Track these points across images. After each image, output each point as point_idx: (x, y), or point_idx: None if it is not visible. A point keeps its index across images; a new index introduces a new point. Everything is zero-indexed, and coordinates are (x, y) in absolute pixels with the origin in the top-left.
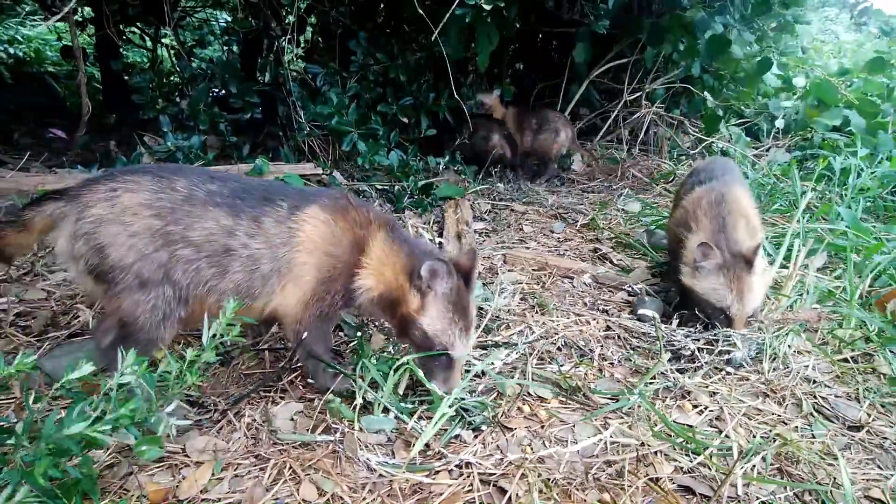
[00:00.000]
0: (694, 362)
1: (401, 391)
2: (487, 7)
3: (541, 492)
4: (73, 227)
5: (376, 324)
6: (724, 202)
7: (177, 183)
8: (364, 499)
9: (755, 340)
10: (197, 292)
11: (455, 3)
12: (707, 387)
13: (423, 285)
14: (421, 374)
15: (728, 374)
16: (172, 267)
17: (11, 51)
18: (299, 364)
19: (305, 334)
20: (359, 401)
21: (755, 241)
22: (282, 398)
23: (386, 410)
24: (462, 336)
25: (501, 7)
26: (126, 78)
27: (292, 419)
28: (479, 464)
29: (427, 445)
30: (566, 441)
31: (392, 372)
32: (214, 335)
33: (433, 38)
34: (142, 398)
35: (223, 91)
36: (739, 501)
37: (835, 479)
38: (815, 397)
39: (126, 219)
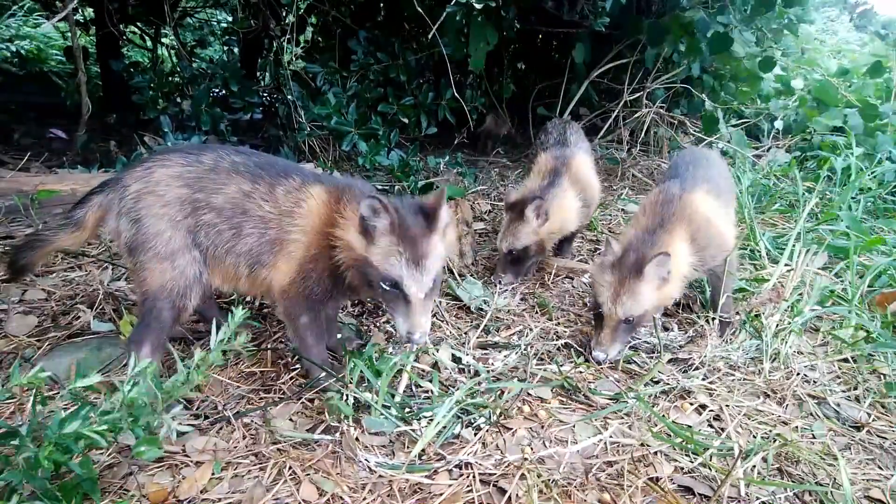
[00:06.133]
0: (701, 366)
1: (401, 390)
2: (478, 6)
3: (541, 492)
4: (118, 207)
5: (376, 325)
6: (671, 203)
7: (203, 157)
8: (364, 499)
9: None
10: (217, 254)
11: (452, 2)
12: (707, 387)
13: (368, 224)
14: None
15: (727, 373)
16: (198, 231)
17: (14, 48)
18: (298, 364)
19: (294, 317)
20: (351, 399)
21: (661, 249)
22: (281, 398)
23: (384, 412)
24: (410, 266)
25: (493, 7)
26: (126, 78)
27: (291, 419)
28: (479, 464)
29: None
30: (566, 441)
31: (387, 372)
32: (222, 340)
33: (432, 38)
34: (146, 400)
35: (223, 91)
36: (739, 501)
37: (835, 479)
38: (815, 397)
39: (160, 189)
